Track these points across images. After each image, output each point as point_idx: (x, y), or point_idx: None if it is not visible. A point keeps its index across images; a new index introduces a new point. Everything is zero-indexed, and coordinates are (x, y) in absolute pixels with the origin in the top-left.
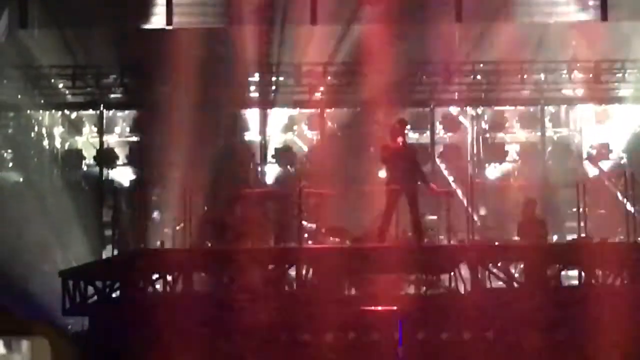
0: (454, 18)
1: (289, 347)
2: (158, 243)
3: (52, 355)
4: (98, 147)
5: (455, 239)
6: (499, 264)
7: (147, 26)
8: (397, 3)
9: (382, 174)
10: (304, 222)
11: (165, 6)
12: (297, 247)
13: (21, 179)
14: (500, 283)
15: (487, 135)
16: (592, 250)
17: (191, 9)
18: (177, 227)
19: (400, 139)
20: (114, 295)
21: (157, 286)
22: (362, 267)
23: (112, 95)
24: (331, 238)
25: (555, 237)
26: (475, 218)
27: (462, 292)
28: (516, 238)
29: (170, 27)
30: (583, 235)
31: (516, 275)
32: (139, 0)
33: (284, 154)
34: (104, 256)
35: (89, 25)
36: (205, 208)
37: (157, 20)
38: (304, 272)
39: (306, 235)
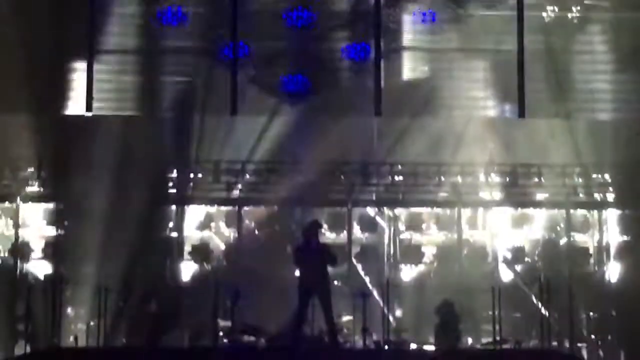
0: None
1: None
2: (71, 339)
3: None
4: (13, 240)
5: (370, 340)
6: None
7: (66, 113)
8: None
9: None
10: (219, 320)
11: (86, 93)
12: (211, 346)
13: None
14: None
15: (404, 236)
16: (506, 356)
17: (110, 98)
18: (91, 323)
19: (314, 241)
20: None
21: None
22: None
23: (29, 189)
24: (246, 337)
25: (470, 340)
26: (391, 319)
27: None
28: (432, 340)
29: (89, 114)
30: (498, 338)
31: None
32: (58, 86)
33: (201, 251)
34: (15, 352)
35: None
36: (121, 304)
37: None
38: None
39: (221, 333)
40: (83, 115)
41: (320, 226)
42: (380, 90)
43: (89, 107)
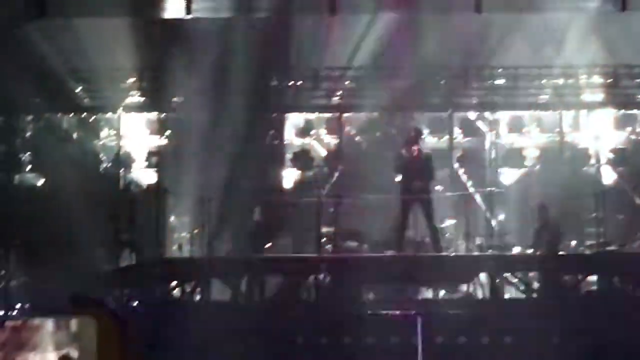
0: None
1: (308, 350)
2: (175, 247)
3: (98, 333)
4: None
5: (473, 244)
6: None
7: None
8: None
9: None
10: (322, 226)
11: None
12: (315, 256)
13: (39, 182)
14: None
15: (506, 139)
16: (610, 259)
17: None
18: (195, 231)
19: (415, 147)
20: (132, 304)
21: (176, 294)
22: (380, 276)
23: (130, 99)
24: (349, 242)
25: (574, 243)
26: (494, 223)
27: (480, 297)
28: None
29: (189, 17)
30: (602, 240)
31: (535, 282)
32: None
33: (303, 159)
34: (121, 262)
35: (107, 16)
36: (223, 213)
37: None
38: (322, 277)
39: (324, 239)
40: (182, 19)
41: (421, 133)
42: None
43: (188, 10)
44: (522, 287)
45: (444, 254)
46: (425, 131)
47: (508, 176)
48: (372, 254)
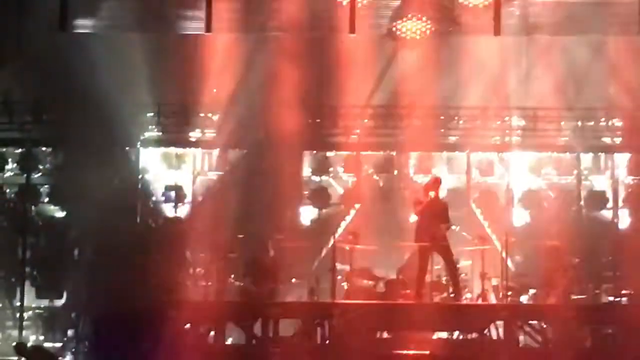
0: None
1: None
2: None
3: None
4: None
5: (489, 285)
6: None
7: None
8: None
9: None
10: (337, 264)
11: (205, 12)
12: (330, 302)
13: (58, 214)
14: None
15: (524, 180)
16: (624, 311)
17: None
18: (210, 267)
19: (433, 195)
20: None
21: (190, 337)
22: (395, 323)
23: (148, 134)
24: (365, 281)
25: (590, 287)
26: (510, 264)
27: (495, 338)
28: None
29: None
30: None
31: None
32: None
33: (319, 196)
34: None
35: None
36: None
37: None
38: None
39: (339, 277)
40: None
41: (440, 182)
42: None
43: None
44: (536, 336)
45: (459, 302)
46: (443, 169)
47: (525, 217)
48: (385, 300)
